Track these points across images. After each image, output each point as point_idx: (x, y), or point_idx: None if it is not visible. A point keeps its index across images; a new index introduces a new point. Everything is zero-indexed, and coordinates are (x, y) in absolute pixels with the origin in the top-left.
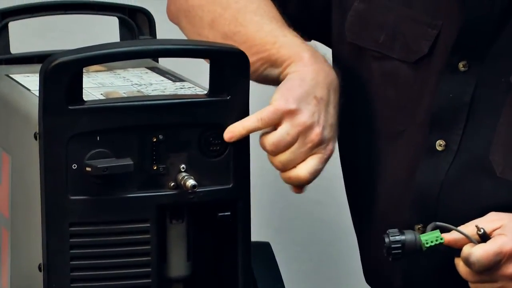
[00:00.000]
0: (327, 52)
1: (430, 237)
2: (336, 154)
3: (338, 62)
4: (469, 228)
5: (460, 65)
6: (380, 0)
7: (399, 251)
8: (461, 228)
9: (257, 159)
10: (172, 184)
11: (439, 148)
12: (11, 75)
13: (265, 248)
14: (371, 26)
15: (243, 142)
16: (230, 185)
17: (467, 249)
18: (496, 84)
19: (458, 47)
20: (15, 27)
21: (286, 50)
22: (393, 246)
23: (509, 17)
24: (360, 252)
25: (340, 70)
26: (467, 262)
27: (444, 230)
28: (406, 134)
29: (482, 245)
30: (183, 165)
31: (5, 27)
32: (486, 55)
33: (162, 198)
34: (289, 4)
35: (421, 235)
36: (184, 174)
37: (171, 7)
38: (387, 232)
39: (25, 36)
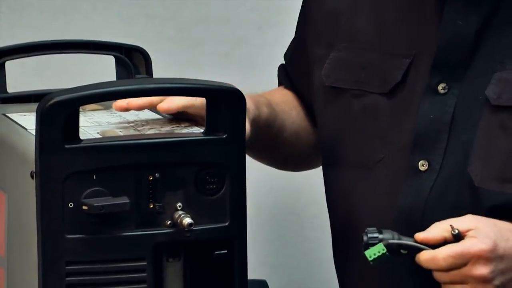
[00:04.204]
0: None
1: (373, 250)
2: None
3: (319, 110)
4: (444, 225)
5: (440, 87)
6: (360, 44)
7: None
8: (437, 224)
9: (253, 197)
10: (169, 222)
11: (422, 169)
12: (7, 114)
13: (261, 286)
14: (351, 67)
15: (240, 180)
16: (227, 223)
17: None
18: (475, 101)
19: (436, 70)
20: (12, 66)
21: None
22: (370, 242)
23: (483, 37)
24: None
25: (321, 115)
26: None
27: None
28: (385, 160)
29: (450, 245)
30: (179, 204)
31: (2, 66)
32: (464, 76)
33: (159, 236)
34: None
35: (366, 251)
36: (180, 212)
37: None
38: (366, 230)
39: (22, 75)
